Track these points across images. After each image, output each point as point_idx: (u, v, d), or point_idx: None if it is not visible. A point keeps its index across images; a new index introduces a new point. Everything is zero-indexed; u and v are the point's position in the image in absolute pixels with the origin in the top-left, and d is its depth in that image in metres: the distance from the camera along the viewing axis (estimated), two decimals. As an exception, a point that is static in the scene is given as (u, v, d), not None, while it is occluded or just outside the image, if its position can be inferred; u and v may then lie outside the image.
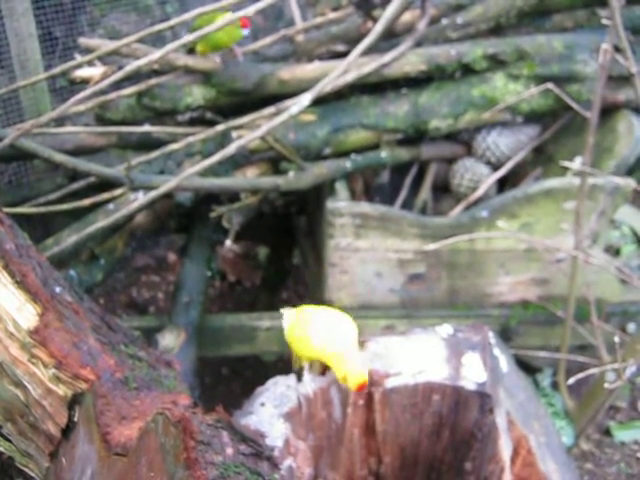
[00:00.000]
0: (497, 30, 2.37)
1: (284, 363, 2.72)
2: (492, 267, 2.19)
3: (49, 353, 1.18)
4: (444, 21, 2.36)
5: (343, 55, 2.22)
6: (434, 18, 2.33)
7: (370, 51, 2.14)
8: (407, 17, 2.32)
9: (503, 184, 2.50)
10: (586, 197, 1.94)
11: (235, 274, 3.31)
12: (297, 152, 2.14)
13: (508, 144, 2.37)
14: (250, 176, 2.19)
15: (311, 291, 2.68)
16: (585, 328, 2.13)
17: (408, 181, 2.52)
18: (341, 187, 2.22)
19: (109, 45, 2.06)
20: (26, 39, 2.21)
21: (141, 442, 1.03)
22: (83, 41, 2.16)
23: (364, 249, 2.13)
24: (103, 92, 2.02)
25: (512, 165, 2.40)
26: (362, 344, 1.45)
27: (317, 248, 2.41)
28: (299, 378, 1.39)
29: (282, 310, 1.46)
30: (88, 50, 2.13)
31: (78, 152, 2.10)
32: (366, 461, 1.47)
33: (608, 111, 2.20)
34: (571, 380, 1.73)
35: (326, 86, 2.05)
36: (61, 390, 1.19)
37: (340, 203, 2.09)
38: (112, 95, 2.09)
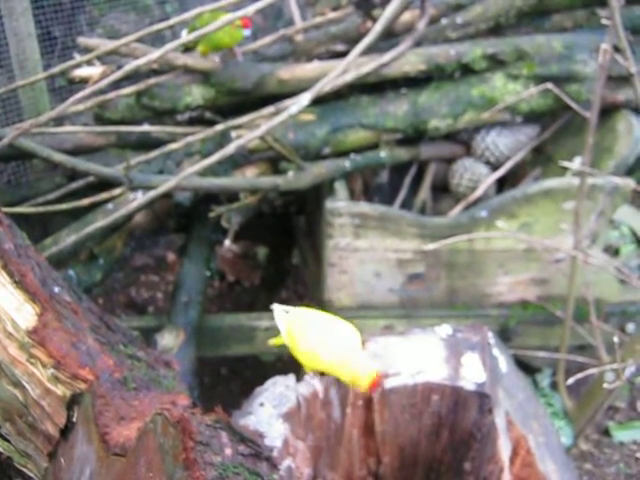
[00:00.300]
0: (496, 30, 2.37)
1: (283, 363, 2.72)
2: (491, 267, 2.19)
3: (48, 353, 1.17)
4: (443, 21, 2.36)
5: (342, 55, 2.22)
6: (433, 18, 2.33)
7: (369, 51, 2.14)
8: (406, 17, 2.32)
9: (502, 184, 2.50)
10: (585, 197, 1.94)
11: (234, 274, 3.31)
12: (296, 152, 2.14)
13: (507, 144, 2.37)
14: (249, 176, 2.19)
15: (310, 291, 2.68)
16: (584, 328, 2.13)
17: (407, 181, 2.52)
18: (340, 187, 2.21)
19: (108, 45, 2.06)
20: (25, 39, 2.21)
21: (140, 442, 1.03)
22: (82, 41, 2.16)
23: (363, 249, 2.13)
24: (102, 92, 2.02)
25: (511, 165, 2.40)
26: (362, 344, 1.45)
27: (316, 248, 2.41)
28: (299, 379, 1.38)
29: (273, 306, 1.42)
30: (87, 50, 2.12)
31: (77, 152, 2.10)
32: (365, 461, 1.47)
33: (607, 111, 2.20)
34: (570, 380, 1.73)
35: (325, 86, 2.05)
36: (60, 390, 1.18)
37: (339, 203, 2.09)
38: (111, 95, 2.09)
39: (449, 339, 1.48)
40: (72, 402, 1.19)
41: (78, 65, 2.08)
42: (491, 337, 1.52)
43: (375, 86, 2.25)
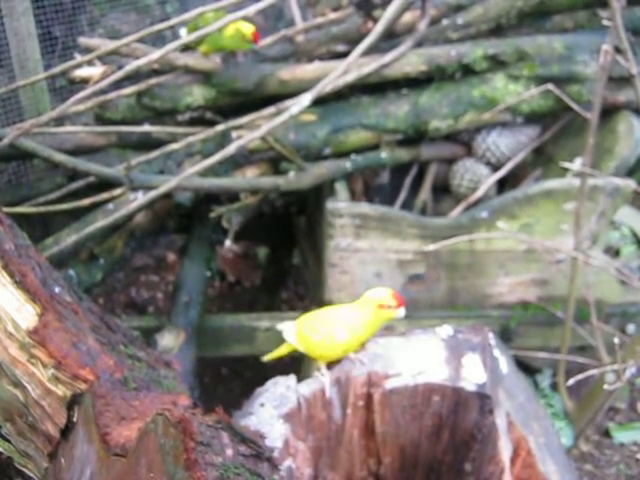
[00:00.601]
0: (497, 31, 2.37)
1: (284, 364, 2.72)
2: (492, 268, 2.19)
3: (48, 353, 1.17)
4: (444, 21, 2.36)
5: (343, 55, 2.22)
6: (434, 18, 2.33)
7: (370, 51, 2.14)
8: (407, 17, 2.32)
9: (503, 185, 2.50)
10: (586, 198, 1.94)
11: (235, 274, 3.31)
12: (297, 152, 2.14)
13: (508, 145, 2.37)
14: (250, 176, 2.19)
15: (311, 291, 2.68)
16: (585, 329, 2.13)
17: (408, 181, 2.52)
18: (341, 187, 2.21)
19: (109, 45, 2.06)
20: (26, 38, 2.21)
21: (140, 443, 1.03)
22: (83, 41, 2.16)
23: (364, 249, 2.13)
24: (103, 92, 2.02)
25: (512, 166, 2.40)
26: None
27: (317, 248, 2.41)
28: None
29: (279, 326, 1.51)
30: (88, 50, 2.13)
31: (78, 152, 2.10)
32: (366, 462, 1.47)
33: (608, 112, 2.20)
34: (571, 381, 1.73)
35: (326, 86, 2.05)
36: (60, 390, 1.18)
37: (340, 203, 2.09)
38: (112, 95, 2.09)
39: (450, 340, 1.48)
40: (72, 402, 1.19)
41: (79, 65, 2.08)
42: (492, 338, 1.52)
43: (376, 87, 2.25)
